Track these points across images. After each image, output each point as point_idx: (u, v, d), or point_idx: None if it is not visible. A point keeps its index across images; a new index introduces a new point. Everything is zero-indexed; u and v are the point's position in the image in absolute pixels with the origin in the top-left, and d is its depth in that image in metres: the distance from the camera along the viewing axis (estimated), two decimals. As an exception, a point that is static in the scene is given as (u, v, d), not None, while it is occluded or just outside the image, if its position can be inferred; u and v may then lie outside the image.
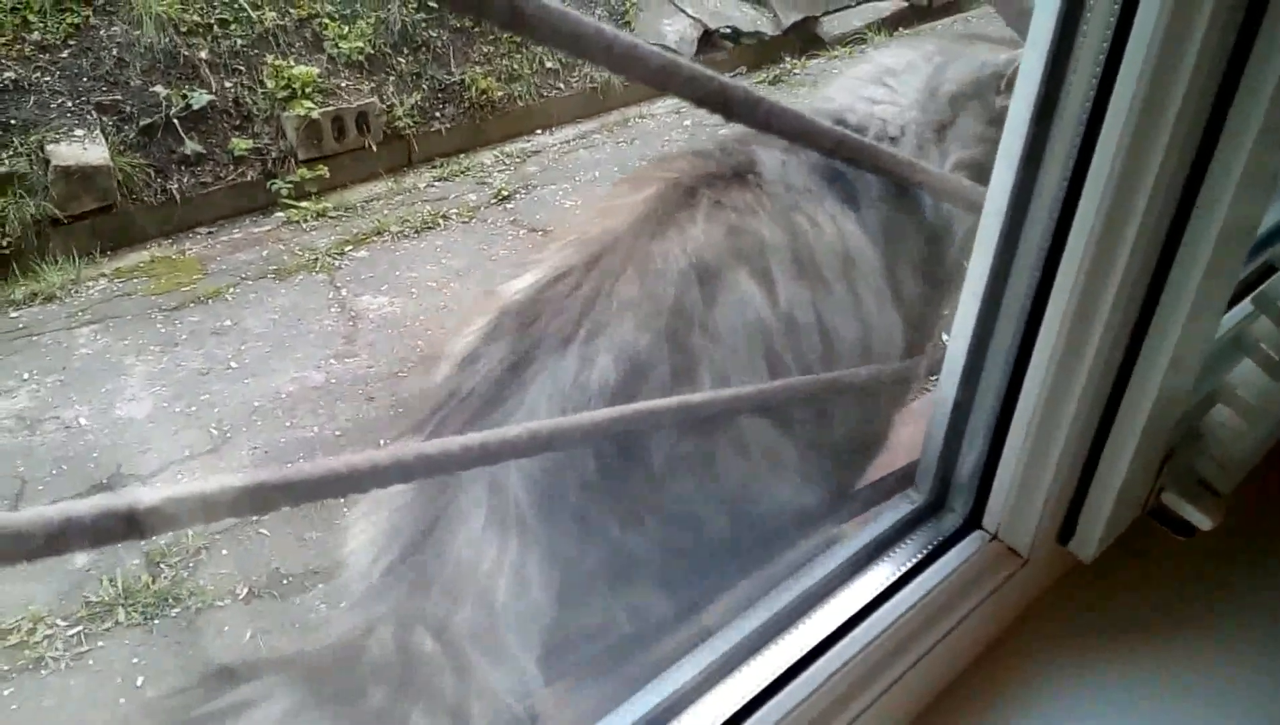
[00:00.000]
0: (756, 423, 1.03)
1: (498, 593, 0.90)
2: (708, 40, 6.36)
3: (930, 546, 0.80)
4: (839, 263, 1.11)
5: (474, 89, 5.33)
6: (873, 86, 1.34)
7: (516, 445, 0.55)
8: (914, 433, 1.10)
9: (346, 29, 5.12)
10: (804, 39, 6.74)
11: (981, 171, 1.23)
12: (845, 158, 0.94)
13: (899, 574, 0.77)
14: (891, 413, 1.20)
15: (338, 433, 3.33)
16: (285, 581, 2.70)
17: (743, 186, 1.13)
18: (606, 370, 0.95)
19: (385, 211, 4.76)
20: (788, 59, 6.53)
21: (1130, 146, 0.63)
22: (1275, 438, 0.89)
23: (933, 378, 0.91)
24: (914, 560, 0.78)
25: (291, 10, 5.05)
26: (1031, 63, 0.65)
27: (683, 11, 6.38)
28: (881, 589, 0.75)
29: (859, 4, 7.04)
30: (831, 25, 6.86)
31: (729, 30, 6.45)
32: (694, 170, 1.14)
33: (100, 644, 2.50)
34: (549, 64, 5.64)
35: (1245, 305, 0.89)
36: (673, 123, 5.69)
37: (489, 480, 0.93)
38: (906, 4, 7.21)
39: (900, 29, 6.98)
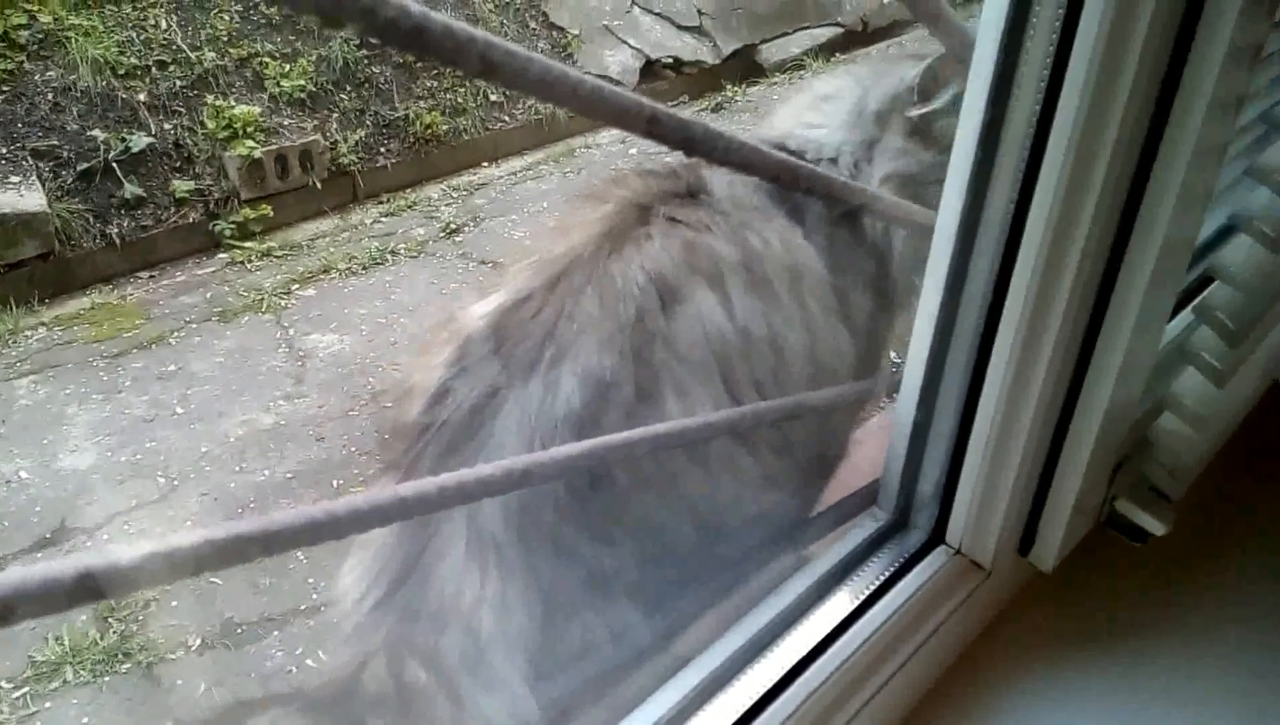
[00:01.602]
0: (723, 444, 1.04)
1: (483, 622, 0.92)
2: (650, 70, 6.43)
3: (896, 564, 0.81)
4: (788, 277, 1.13)
5: (419, 124, 5.32)
6: (809, 112, 1.39)
7: (492, 483, 0.55)
8: (871, 450, 1.11)
9: (287, 67, 5.09)
10: (744, 66, 6.84)
11: (909, 181, 1.27)
12: (804, 189, 0.96)
13: (867, 593, 0.78)
14: (849, 430, 1.22)
15: (289, 475, 3.27)
16: (239, 630, 2.63)
17: (695, 204, 1.15)
18: (571, 395, 0.96)
19: (332, 249, 4.72)
20: (729, 86, 6.62)
21: (1073, 167, 0.65)
22: (1221, 443, 0.91)
23: (890, 397, 0.92)
24: (881, 578, 0.79)
25: (231, 50, 5.01)
26: (975, 89, 0.67)
27: (625, 43, 6.44)
28: (851, 609, 0.76)
29: (795, 31, 7.16)
30: (770, 52, 6.97)
31: (670, 60, 6.53)
32: (648, 189, 1.16)
33: (48, 705, 2.42)
34: (493, 97, 5.65)
35: (1186, 315, 0.92)
36: (618, 152, 5.72)
37: (467, 513, 0.94)
38: (842, 30, 7.36)
39: (837, 54, 7.12)
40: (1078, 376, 0.77)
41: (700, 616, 0.86)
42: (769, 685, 0.70)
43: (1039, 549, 0.86)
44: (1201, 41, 0.64)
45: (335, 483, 3.25)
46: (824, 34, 7.26)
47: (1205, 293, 0.85)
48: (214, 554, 0.40)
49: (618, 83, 5.78)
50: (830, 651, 0.73)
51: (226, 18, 5.08)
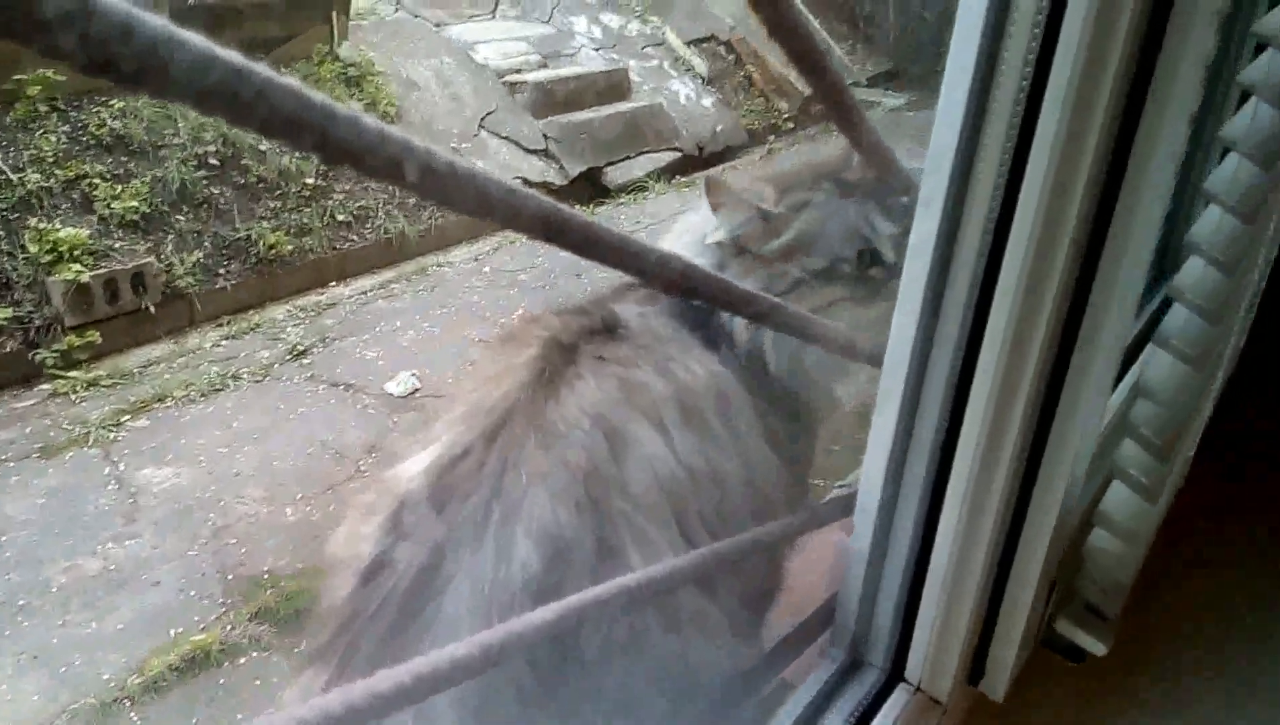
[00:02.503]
0: (688, 593, 0.97)
1: None
2: (499, 191, 6.49)
3: (857, 713, 0.77)
4: (717, 406, 1.10)
5: (262, 244, 5.14)
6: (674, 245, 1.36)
7: (469, 665, 0.48)
8: (806, 572, 1.09)
9: (119, 189, 4.84)
10: (591, 187, 7.04)
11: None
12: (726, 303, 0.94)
13: (834, 756, 0.73)
14: (785, 558, 1.18)
15: (120, 626, 2.98)
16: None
17: (616, 340, 1.11)
18: (529, 558, 0.87)
19: (167, 376, 4.44)
20: (577, 206, 6.75)
21: (1019, 315, 0.67)
22: (1145, 556, 0.94)
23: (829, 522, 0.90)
24: (845, 734, 0.75)
25: (58, 171, 4.73)
26: (925, 227, 0.68)
27: (474, 164, 6.50)
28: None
29: (638, 155, 7.45)
30: (615, 175, 7.20)
31: (519, 180, 6.62)
32: (567, 327, 1.11)
33: None
34: (341, 216, 5.55)
35: (1112, 427, 0.94)
36: (471, 270, 5.70)
37: (415, 707, 0.82)
38: (680, 154, 7.71)
39: (676, 176, 7.43)
40: (1023, 495, 0.78)
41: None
42: None
43: (990, 677, 0.85)
44: (1136, 163, 0.68)
45: (173, 631, 2.98)
46: (664, 157, 7.58)
47: (1130, 410, 0.87)
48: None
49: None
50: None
51: (53, 138, 4.81)
